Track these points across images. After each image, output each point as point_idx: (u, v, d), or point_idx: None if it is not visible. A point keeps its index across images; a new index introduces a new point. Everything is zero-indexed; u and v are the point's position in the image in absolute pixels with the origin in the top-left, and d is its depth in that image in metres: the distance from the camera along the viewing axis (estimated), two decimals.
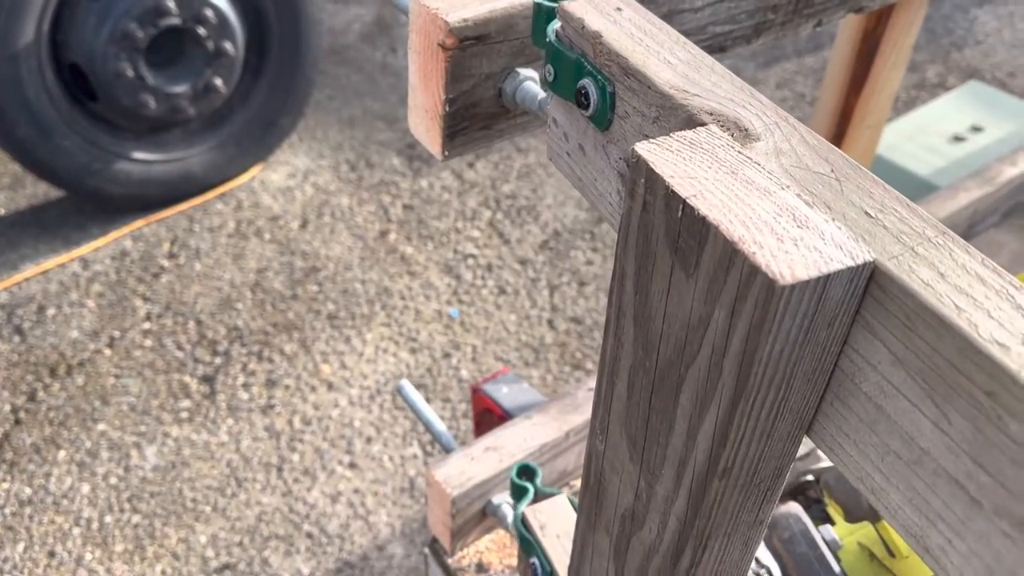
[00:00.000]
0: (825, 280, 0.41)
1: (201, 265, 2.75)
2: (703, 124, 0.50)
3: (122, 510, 2.14)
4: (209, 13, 2.62)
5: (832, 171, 0.47)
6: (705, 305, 0.45)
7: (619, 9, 0.60)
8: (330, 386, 2.42)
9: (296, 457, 2.25)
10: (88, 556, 2.05)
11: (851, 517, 0.99)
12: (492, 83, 0.72)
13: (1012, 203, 1.81)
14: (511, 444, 1.10)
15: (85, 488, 2.19)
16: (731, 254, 0.42)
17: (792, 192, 0.44)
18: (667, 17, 0.81)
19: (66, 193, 2.84)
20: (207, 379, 2.43)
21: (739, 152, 0.47)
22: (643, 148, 0.46)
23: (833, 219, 0.43)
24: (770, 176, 0.45)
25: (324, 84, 3.50)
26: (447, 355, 2.52)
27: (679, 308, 0.47)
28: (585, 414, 1.16)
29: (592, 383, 1.23)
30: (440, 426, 1.18)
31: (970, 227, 1.75)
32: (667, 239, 0.46)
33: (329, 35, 3.76)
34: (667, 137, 0.47)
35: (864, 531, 1.02)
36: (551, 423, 1.14)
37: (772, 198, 0.44)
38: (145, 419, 2.33)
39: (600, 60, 0.58)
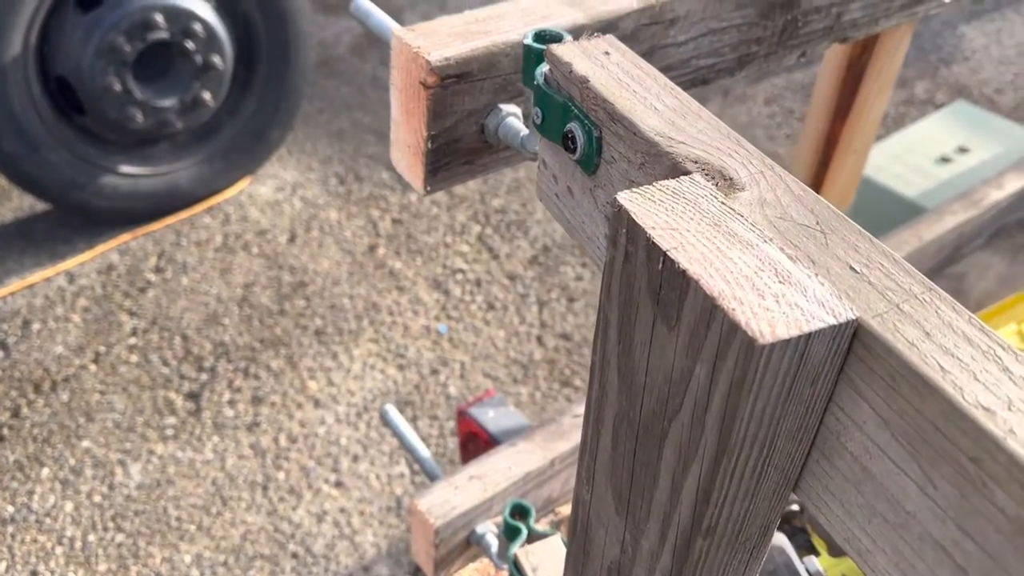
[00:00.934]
0: (807, 339, 0.40)
1: (188, 279, 2.73)
2: (688, 172, 0.50)
3: (106, 529, 2.12)
4: (197, 27, 2.61)
5: (817, 223, 0.47)
6: (687, 359, 0.45)
7: (607, 53, 0.60)
8: (317, 403, 2.40)
9: (282, 475, 2.24)
10: None
11: (835, 550, 0.99)
12: (474, 119, 0.72)
13: (998, 225, 1.82)
14: (495, 473, 1.09)
15: (68, 506, 2.16)
16: (711, 309, 0.41)
17: (775, 245, 0.44)
18: (650, 52, 0.80)
19: (52, 206, 2.82)
20: (193, 395, 2.41)
21: (722, 203, 0.46)
22: (625, 198, 0.45)
23: (816, 274, 0.43)
24: (753, 228, 0.44)
25: (314, 97, 3.49)
26: (435, 372, 2.51)
27: (661, 360, 0.46)
28: (571, 441, 1.15)
29: (578, 409, 1.22)
30: (424, 452, 1.17)
31: (956, 249, 1.76)
32: (649, 291, 0.45)
33: (319, 47, 3.75)
34: (650, 187, 0.47)
35: (848, 563, 1.02)
36: (536, 451, 1.13)
37: (754, 251, 0.43)
38: (130, 436, 2.31)
39: (587, 105, 0.57)
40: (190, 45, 2.62)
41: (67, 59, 2.51)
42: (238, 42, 2.79)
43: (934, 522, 0.41)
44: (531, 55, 0.64)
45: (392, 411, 1.20)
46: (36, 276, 2.69)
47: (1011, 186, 1.78)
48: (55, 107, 2.58)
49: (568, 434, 1.16)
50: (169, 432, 2.32)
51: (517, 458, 1.12)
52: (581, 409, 1.21)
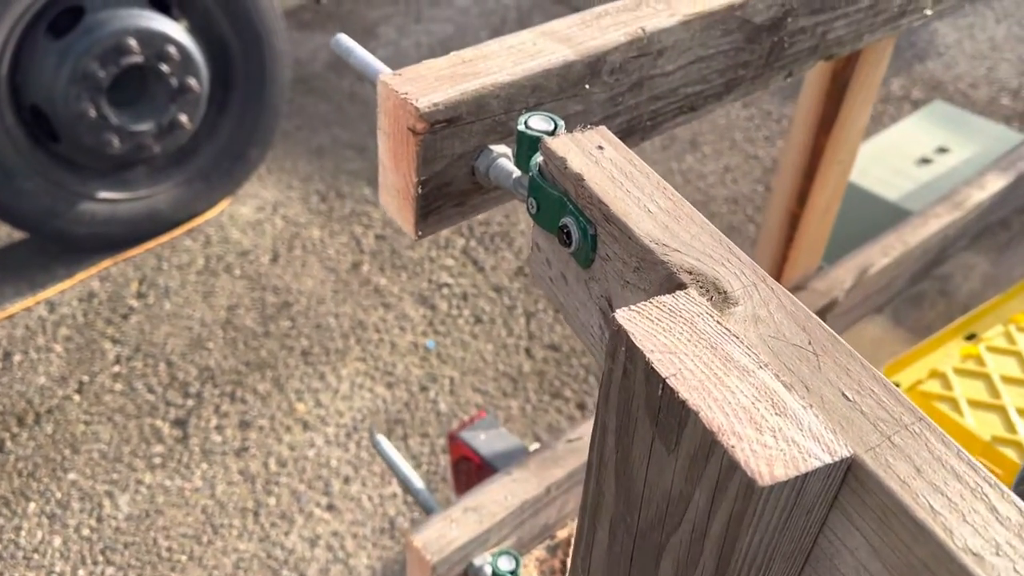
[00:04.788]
0: (803, 478, 0.41)
1: (171, 304, 2.70)
2: (682, 284, 0.50)
3: (95, 563, 2.09)
4: (172, 50, 2.59)
5: (810, 342, 0.48)
6: (686, 483, 0.46)
7: (600, 148, 0.60)
8: (305, 425, 2.38)
9: (272, 500, 2.22)
10: None
11: None
12: (464, 162, 0.71)
13: (981, 226, 1.83)
14: (492, 504, 1.08)
15: (56, 541, 2.13)
16: (711, 443, 0.42)
17: (770, 372, 0.44)
18: (639, 84, 0.80)
19: (30, 235, 2.78)
20: (179, 422, 2.38)
21: (718, 322, 0.47)
22: (625, 318, 0.46)
23: (811, 405, 0.43)
24: (748, 352, 0.45)
25: (292, 114, 3.47)
26: (424, 388, 2.49)
27: (660, 478, 0.47)
28: (566, 468, 1.14)
29: (572, 433, 1.21)
30: (418, 483, 1.16)
31: (941, 251, 1.76)
32: (647, 411, 0.46)
33: (295, 65, 3.73)
34: (648, 304, 0.48)
35: None
36: (531, 479, 1.12)
37: (751, 379, 0.44)
38: (117, 466, 2.28)
39: (583, 202, 0.58)
40: (165, 68, 2.60)
41: (40, 87, 2.47)
42: (214, 63, 2.76)
43: None
44: (525, 140, 0.63)
45: (384, 442, 1.19)
46: (16, 306, 2.65)
47: (992, 186, 1.79)
48: (29, 135, 2.55)
49: (563, 460, 1.15)
50: (156, 461, 2.29)
51: (512, 487, 1.11)
52: (574, 433, 1.20)
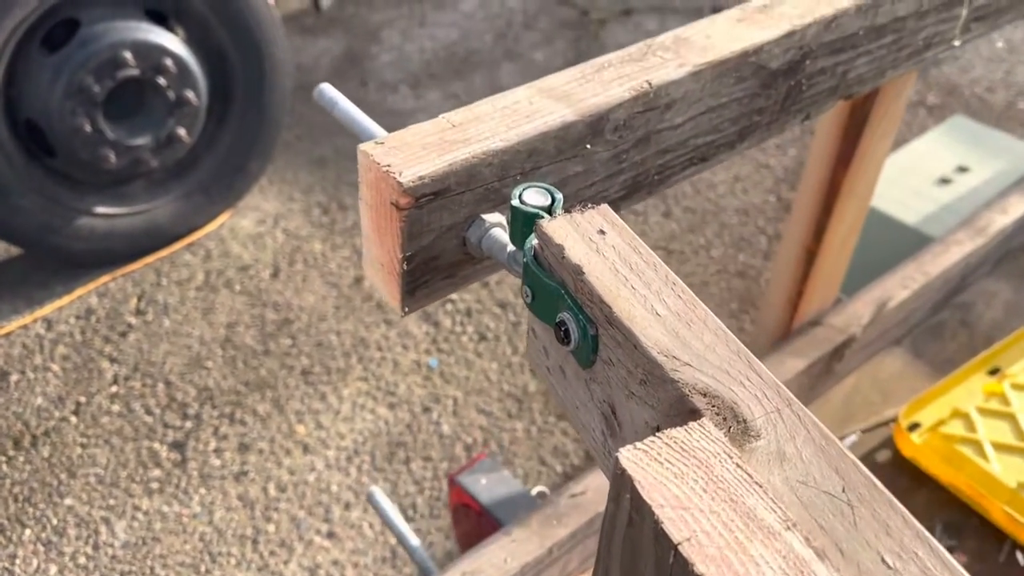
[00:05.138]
0: None
1: (170, 321, 2.65)
2: (696, 409, 0.44)
3: None
4: (168, 62, 2.53)
5: (843, 490, 0.41)
6: None
7: (602, 232, 0.53)
8: (305, 448, 2.33)
9: (272, 528, 2.16)
10: None
11: None
12: (454, 233, 0.65)
13: (1003, 251, 1.76)
14: (490, 568, 1.03)
15: (52, 569, 2.09)
16: None
17: (799, 535, 0.38)
18: (645, 138, 0.74)
19: (27, 252, 2.74)
20: (177, 445, 2.33)
21: (738, 466, 0.41)
22: (630, 459, 0.40)
23: None
24: (774, 507, 0.39)
25: (292, 123, 3.41)
26: (427, 409, 2.43)
27: None
28: (569, 526, 1.08)
29: (575, 487, 1.15)
30: (414, 541, 1.10)
31: (963, 279, 1.70)
32: (658, 575, 0.39)
33: (297, 71, 3.67)
34: (657, 441, 0.41)
35: None
36: (532, 538, 1.06)
37: (776, 543, 0.38)
38: (114, 491, 2.23)
39: (583, 298, 0.51)
40: (162, 81, 2.54)
41: (35, 101, 2.42)
42: (212, 75, 2.70)
43: None
44: (519, 216, 0.57)
45: (379, 494, 1.13)
46: (12, 324, 2.61)
47: (1016, 210, 1.72)
48: (25, 151, 2.50)
49: (566, 518, 1.09)
50: (154, 485, 2.24)
51: (512, 548, 1.05)
52: (578, 488, 1.14)
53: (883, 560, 0.38)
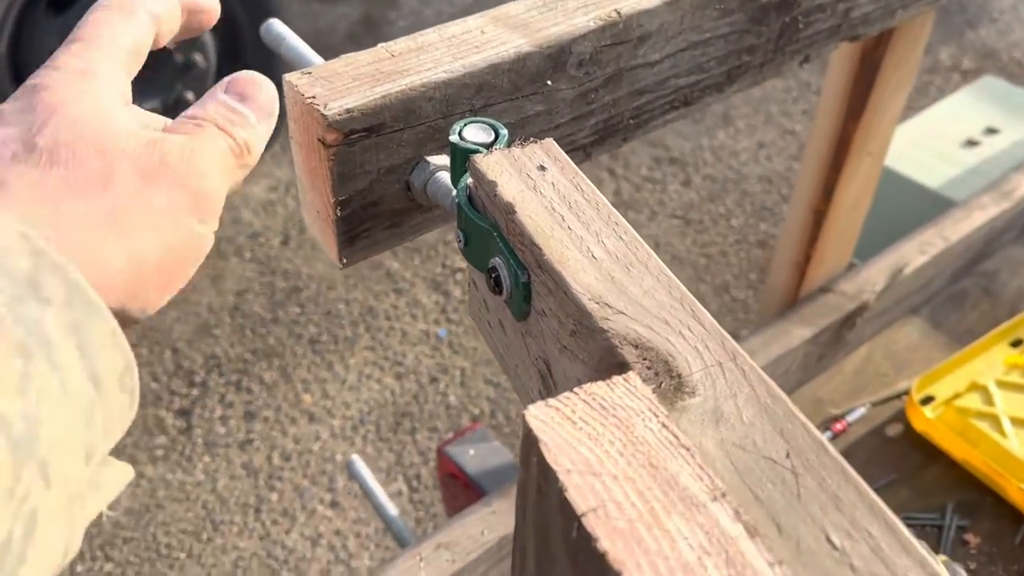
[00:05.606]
0: None
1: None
2: (624, 362, 0.38)
3: (94, 558, 2.04)
4: None
5: (788, 455, 0.35)
6: None
7: (542, 168, 0.47)
8: (311, 417, 2.30)
9: (275, 496, 2.14)
10: None
11: None
12: (396, 177, 0.59)
13: None
14: (466, 540, 0.98)
15: None
16: None
17: (728, 506, 0.32)
18: (617, 76, 0.67)
19: None
20: (183, 413, 2.31)
21: (663, 426, 0.34)
22: (537, 418, 0.34)
23: (780, 563, 0.31)
24: (700, 473, 0.33)
25: None
26: (434, 379, 2.39)
27: None
28: None
29: None
30: (392, 511, 1.06)
31: (986, 245, 1.61)
32: (566, 551, 0.34)
33: (314, 35, 3.61)
34: (572, 396, 0.35)
35: None
36: (512, 511, 1.01)
37: (700, 518, 0.31)
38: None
39: (514, 240, 0.45)
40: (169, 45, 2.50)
41: (41, 65, 2.39)
42: (221, 38, 2.66)
43: None
44: (458, 154, 0.51)
45: (358, 463, 1.09)
46: None
47: None
48: None
49: None
50: (159, 452, 2.23)
51: (491, 520, 1.00)
52: None
53: (828, 538, 0.32)
